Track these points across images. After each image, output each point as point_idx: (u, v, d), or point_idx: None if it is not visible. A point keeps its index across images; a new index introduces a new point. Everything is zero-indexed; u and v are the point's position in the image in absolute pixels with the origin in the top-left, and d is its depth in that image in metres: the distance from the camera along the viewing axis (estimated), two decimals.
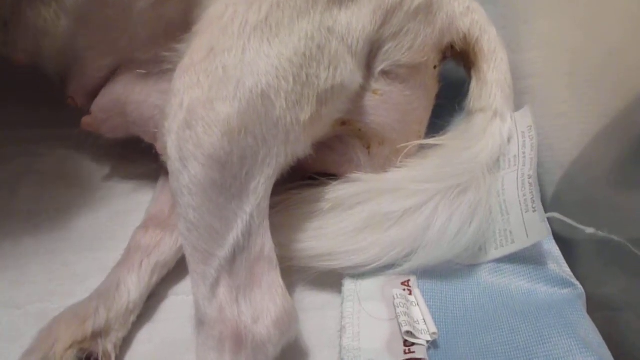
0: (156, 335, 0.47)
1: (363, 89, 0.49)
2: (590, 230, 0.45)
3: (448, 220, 0.47)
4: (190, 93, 0.40)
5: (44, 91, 0.58)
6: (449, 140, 0.53)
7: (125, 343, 0.46)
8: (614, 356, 0.43)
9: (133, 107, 0.52)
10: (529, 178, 0.50)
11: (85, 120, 0.57)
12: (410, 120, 0.52)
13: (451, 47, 0.54)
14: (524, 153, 0.52)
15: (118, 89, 0.53)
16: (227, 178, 0.40)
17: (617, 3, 0.50)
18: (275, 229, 0.47)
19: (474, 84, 0.55)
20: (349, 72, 0.45)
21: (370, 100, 0.49)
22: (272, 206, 0.49)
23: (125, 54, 0.51)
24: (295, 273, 0.51)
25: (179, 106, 0.41)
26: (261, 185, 0.41)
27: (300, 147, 0.45)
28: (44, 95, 0.60)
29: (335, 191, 0.51)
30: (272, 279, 0.42)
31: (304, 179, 0.52)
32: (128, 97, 0.52)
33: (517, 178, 0.51)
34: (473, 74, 0.55)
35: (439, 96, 0.55)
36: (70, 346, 0.42)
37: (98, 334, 0.44)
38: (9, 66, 0.56)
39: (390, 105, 0.50)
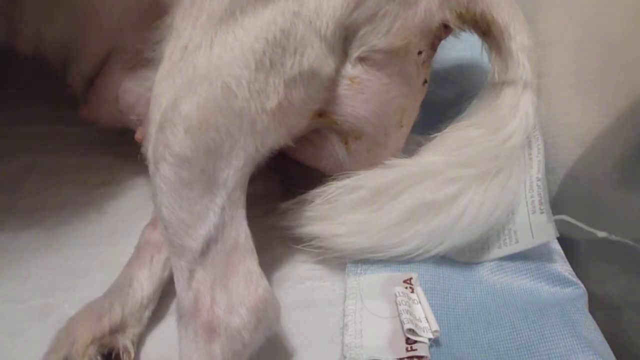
0: (170, 330, 0.47)
1: (340, 76, 0.47)
2: (602, 234, 0.45)
3: (481, 204, 0.47)
4: (166, 96, 0.41)
5: (47, 89, 0.58)
6: (480, 119, 0.52)
7: (140, 339, 0.47)
8: (615, 355, 0.43)
9: (121, 95, 0.53)
10: (537, 181, 0.50)
11: (82, 109, 0.57)
12: (388, 111, 0.49)
13: (445, 26, 0.50)
14: (530, 154, 0.51)
15: (109, 77, 0.53)
16: (195, 174, 0.40)
17: (620, 1, 0.50)
18: (315, 222, 0.48)
19: (493, 55, 0.52)
20: (318, 57, 0.44)
21: (346, 90, 0.47)
22: (311, 199, 0.51)
23: (111, 40, 0.51)
24: (296, 270, 0.52)
25: (157, 110, 0.41)
26: (231, 177, 0.41)
27: (271, 137, 0.44)
28: (46, 93, 0.60)
29: (373, 179, 0.49)
30: (248, 267, 0.42)
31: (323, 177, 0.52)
32: (118, 85, 0.52)
33: (525, 180, 0.50)
34: (490, 44, 0.52)
35: (453, 84, 0.53)
36: (91, 342, 0.43)
37: (116, 330, 0.44)
38: (11, 63, 0.57)
39: (367, 95, 0.48)
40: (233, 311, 0.40)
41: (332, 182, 0.50)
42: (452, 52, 0.55)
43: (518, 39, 0.51)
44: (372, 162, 0.51)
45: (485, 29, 0.52)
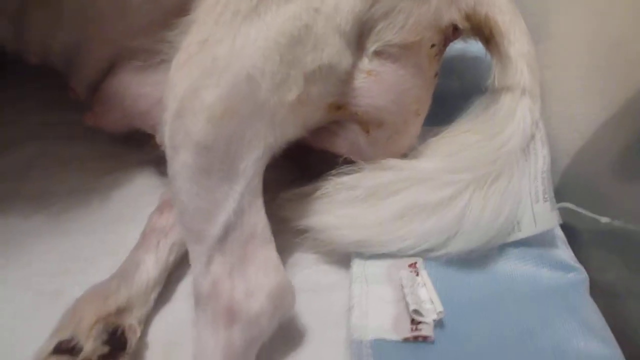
0: (175, 313, 0.49)
1: (356, 70, 0.48)
2: (605, 219, 0.46)
3: (482, 209, 0.48)
4: (183, 84, 0.42)
5: (53, 76, 0.59)
6: (478, 126, 0.53)
7: (147, 319, 0.47)
8: None
9: (131, 100, 0.53)
10: (542, 172, 0.50)
11: (87, 115, 0.58)
12: (406, 100, 0.51)
13: (455, 27, 0.52)
14: (534, 148, 0.51)
15: (116, 82, 0.54)
16: (215, 161, 0.41)
17: None
18: (311, 214, 0.49)
19: (495, 61, 0.53)
20: (337, 51, 0.45)
21: (363, 82, 0.49)
22: (307, 193, 0.51)
23: (122, 44, 0.52)
24: (303, 255, 0.53)
25: (173, 98, 0.42)
26: (250, 166, 0.42)
27: (289, 128, 0.45)
28: (53, 80, 0.61)
29: (370, 179, 0.50)
30: (266, 254, 0.43)
31: (335, 167, 0.52)
32: (125, 90, 0.53)
33: (530, 172, 0.50)
34: (492, 49, 0.54)
35: (459, 78, 0.55)
36: (96, 322, 0.43)
37: (122, 310, 0.45)
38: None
39: (384, 86, 0.49)
40: (252, 297, 0.41)
41: (331, 178, 0.51)
42: (458, 44, 0.55)
43: (517, 45, 0.52)
44: (391, 149, 0.52)
45: (488, 34, 0.53)
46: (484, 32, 0.53)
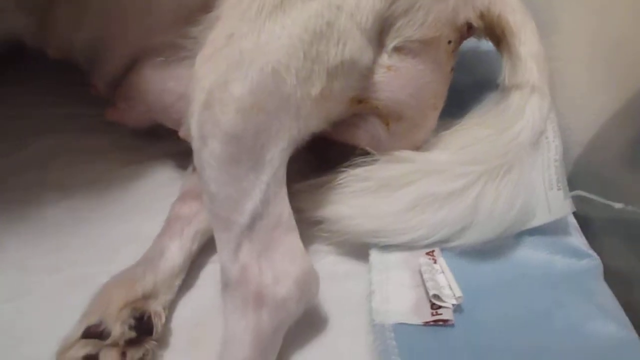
0: (198, 299, 0.50)
1: (377, 65, 0.50)
2: (619, 205, 0.47)
3: (495, 200, 0.49)
4: (210, 77, 0.43)
5: (74, 70, 0.60)
6: (488, 121, 0.54)
7: (171, 306, 0.48)
8: None
9: (154, 96, 0.54)
10: (555, 161, 0.51)
11: (109, 111, 0.59)
12: (425, 95, 0.52)
13: (469, 26, 0.54)
14: (547, 138, 0.53)
15: (138, 78, 0.55)
16: (243, 151, 0.43)
17: None
18: (325, 205, 0.50)
19: (505, 60, 0.55)
20: (358, 47, 0.46)
21: (384, 77, 0.50)
22: (321, 184, 0.53)
23: (145, 40, 0.53)
24: (322, 244, 0.54)
25: (200, 90, 0.44)
26: (276, 157, 0.44)
27: (313, 121, 0.46)
28: (73, 74, 0.62)
29: (383, 171, 0.52)
30: (292, 242, 0.44)
31: (349, 158, 0.53)
32: (149, 85, 0.54)
33: (543, 162, 0.52)
34: (503, 49, 0.55)
35: (471, 72, 0.56)
36: (124, 306, 0.44)
37: (148, 296, 0.46)
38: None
39: (404, 80, 0.51)
40: (280, 282, 0.42)
41: (344, 170, 0.53)
42: (470, 41, 0.57)
43: (528, 45, 0.53)
44: (409, 141, 0.53)
45: (500, 34, 0.54)
46: (496, 31, 0.55)
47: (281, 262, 0.43)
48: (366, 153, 0.53)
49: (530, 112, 0.52)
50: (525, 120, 0.52)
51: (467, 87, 0.59)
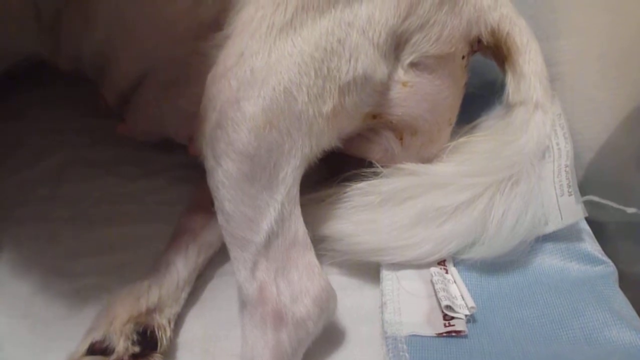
0: (206, 313, 0.50)
1: (392, 81, 0.50)
2: (631, 210, 0.47)
3: (504, 213, 0.48)
4: (221, 96, 0.43)
5: (83, 84, 0.60)
6: (493, 134, 0.54)
7: (178, 320, 0.48)
8: None
9: (164, 113, 0.55)
10: (566, 167, 0.51)
11: (120, 126, 0.60)
12: (441, 110, 0.53)
13: (478, 40, 0.54)
14: (557, 144, 0.52)
15: (148, 96, 0.55)
16: (257, 170, 0.43)
17: None
18: (326, 221, 0.50)
19: (509, 77, 0.55)
20: (371, 63, 0.46)
21: (399, 93, 0.50)
22: (323, 198, 0.52)
23: (154, 55, 0.53)
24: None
25: (212, 109, 0.44)
26: (289, 175, 0.44)
27: (325, 139, 0.46)
28: (83, 88, 0.62)
29: (386, 184, 0.51)
30: (308, 260, 0.44)
31: (351, 171, 0.53)
32: (159, 103, 0.54)
33: (554, 168, 0.51)
34: (507, 67, 0.55)
35: (475, 87, 0.56)
36: (128, 321, 0.45)
37: (152, 310, 0.46)
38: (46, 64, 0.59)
39: (420, 95, 0.51)
40: (298, 301, 0.42)
41: (347, 184, 0.52)
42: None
43: (532, 64, 0.54)
44: (422, 155, 0.53)
45: (506, 52, 0.55)
46: (502, 49, 0.55)
47: (299, 280, 0.43)
48: (370, 165, 0.53)
49: (535, 126, 0.52)
50: (530, 134, 0.52)
51: (470, 100, 0.59)
